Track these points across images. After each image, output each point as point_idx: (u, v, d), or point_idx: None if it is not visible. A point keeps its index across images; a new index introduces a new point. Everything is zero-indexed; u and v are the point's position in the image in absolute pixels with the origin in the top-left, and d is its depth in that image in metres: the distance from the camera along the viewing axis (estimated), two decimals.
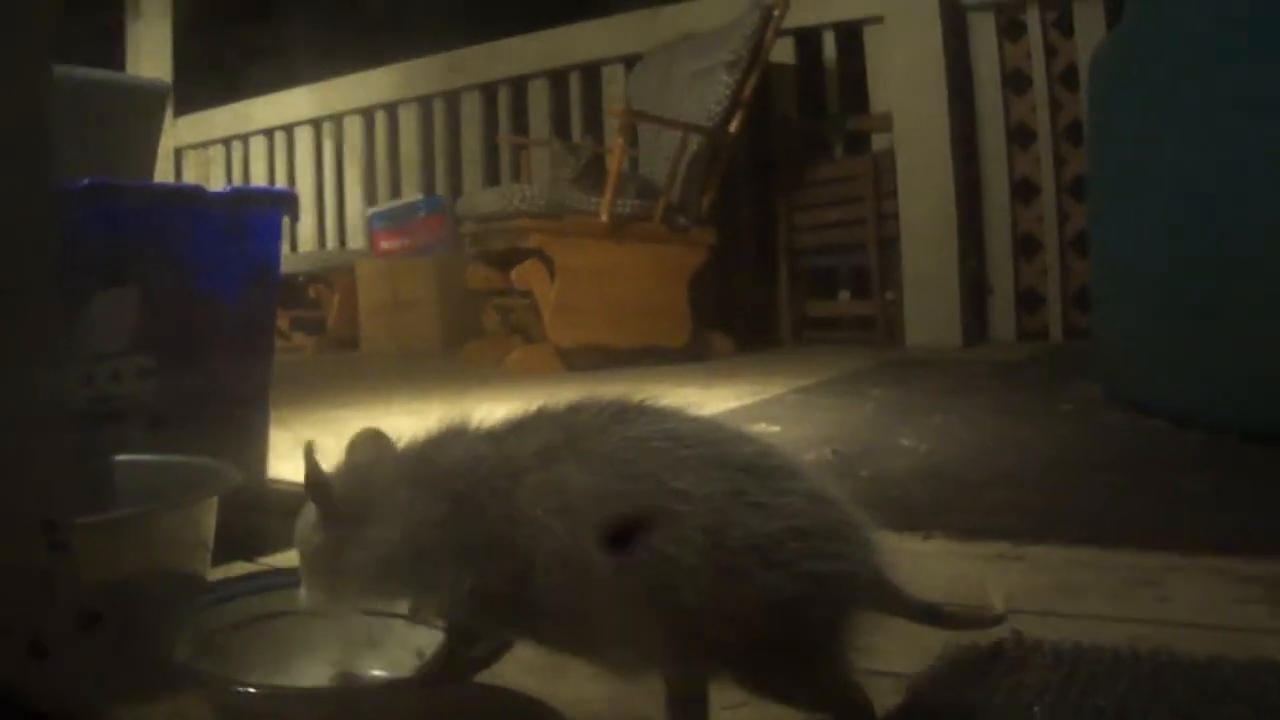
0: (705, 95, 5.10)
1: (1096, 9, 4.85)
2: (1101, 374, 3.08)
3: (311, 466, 0.97)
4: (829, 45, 5.69)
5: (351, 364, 6.01)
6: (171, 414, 1.73)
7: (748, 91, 5.09)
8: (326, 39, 7.26)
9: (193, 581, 1.28)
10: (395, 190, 7.28)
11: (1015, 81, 5.22)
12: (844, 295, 5.74)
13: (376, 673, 1.10)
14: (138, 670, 1.07)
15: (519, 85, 6.73)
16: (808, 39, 5.72)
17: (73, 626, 0.88)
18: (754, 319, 5.69)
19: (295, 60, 7.29)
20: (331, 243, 7.63)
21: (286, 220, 2.00)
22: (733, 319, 5.52)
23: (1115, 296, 2.96)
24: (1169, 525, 1.75)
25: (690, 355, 4.99)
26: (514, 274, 4.75)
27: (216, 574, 1.35)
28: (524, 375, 4.54)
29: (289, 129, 7.84)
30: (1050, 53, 5.09)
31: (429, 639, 1.05)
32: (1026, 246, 5.22)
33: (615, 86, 6.22)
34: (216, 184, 7.58)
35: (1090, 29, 4.82)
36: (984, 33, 5.23)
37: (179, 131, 7.94)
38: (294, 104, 7.74)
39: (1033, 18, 5.10)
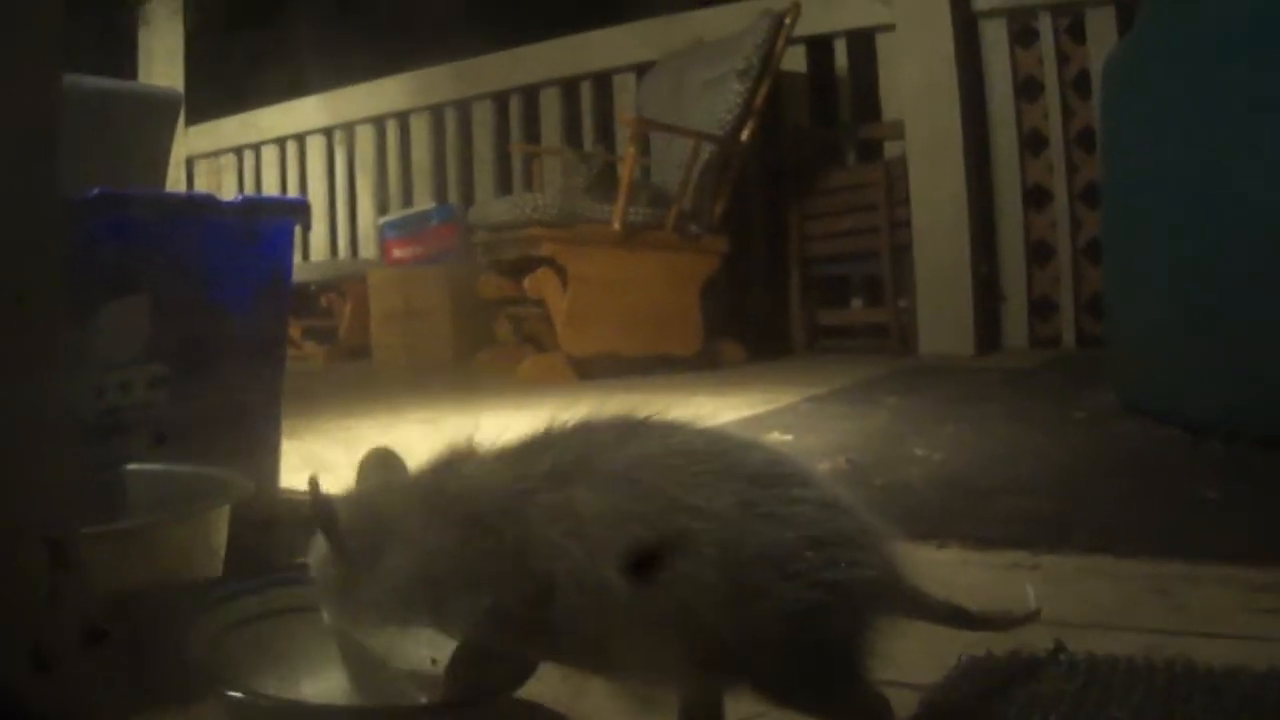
0: (717, 103, 5.11)
1: (1108, 15, 4.85)
2: (1115, 381, 3.07)
3: (319, 503, 0.96)
4: (840, 53, 5.69)
5: (363, 373, 6.01)
6: (182, 424, 1.73)
7: (759, 99, 5.09)
8: (338, 47, 7.26)
9: (204, 591, 1.28)
10: (407, 199, 7.29)
11: (1027, 88, 5.21)
12: (856, 303, 5.73)
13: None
14: (145, 683, 1.06)
15: (531, 94, 6.73)
16: (819, 47, 5.72)
17: (77, 642, 0.88)
18: (766, 327, 5.68)
19: (307, 69, 7.30)
20: (343, 252, 7.64)
21: (298, 229, 2.00)
22: (745, 327, 5.51)
23: (1129, 303, 2.94)
24: (1184, 534, 1.75)
25: (702, 364, 4.99)
26: (526, 283, 4.75)
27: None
28: (536, 384, 4.54)
29: (301, 138, 7.85)
30: (1062, 59, 5.08)
31: (444, 642, 1.04)
32: (1039, 253, 5.21)
33: (627, 95, 6.22)
34: (228, 193, 7.59)
35: (1102, 36, 4.81)
36: (996, 40, 5.22)
37: (191, 140, 7.95)
38: (306, 112, 7.75)
39: (1045, 24, 5.10)
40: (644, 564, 0.85)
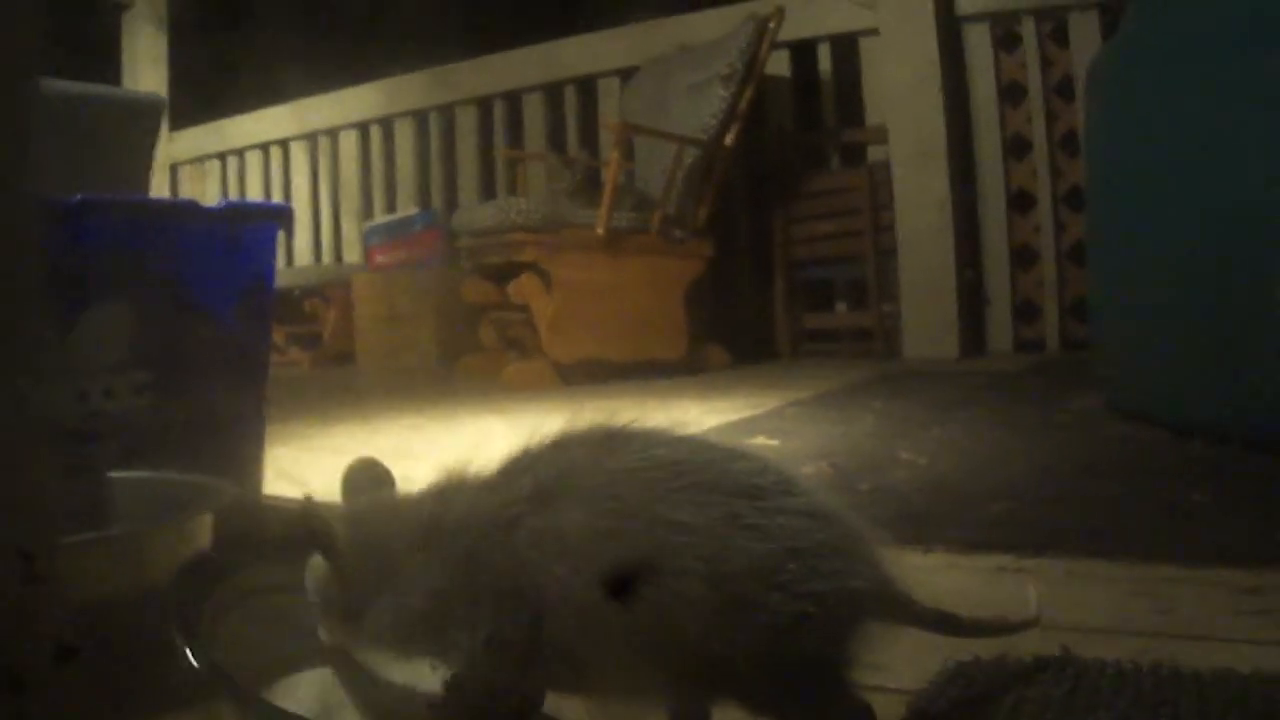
0: (701, 108, 5.11)
1: (1092, 20, 4.87)
2: (1101, 384, 3.07)
3: (317, 524, 0.94)
4: (824, 57, 5.70)
5: (347, 379, 6.01)
6: (166, 430, 1.72)
7: (743, 104, 5.10)
8: (321, 54, 7.25)
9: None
10: (391, 204, 7.29)
11: (1011, 93, 5.23)
12: (841, 307, 5.73)
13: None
14: (121, 700, 1.06)
15: (514, 99, 6.73)
16: (803, 51, 5.73)
17: (49, 660, 0.87)
18: (751, 331, 5.68)
19: (290, 75, 7.28)
20: (327, 257, 7.64)
21: (282, 235, 2.00)
22: (729, 332, 5.51)
23: (1114, 306, 2.95)
24: (1171, 536, 1.75)
25: (687, 368, 4.99)
26: (510, 288, 4.75)
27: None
28: (520, 390, 4.53)
29: (284, 143, 7.85)
30: (1046, 64, 5.10)
31: None
32: (1023, 257, 5.23)
33: (611, 100, 6.23)
34: (211, 199, 7.58)
35: (1086, 40, 4.83)
36: (980, 44, 5.24)
37: (174, 146, 7.95)
38: (289, 118, 7.75)
39: (1028, 29, 5.11)
40: (628, 583, 0.84)
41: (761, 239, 5.73)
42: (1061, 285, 5.06)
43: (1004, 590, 1.52)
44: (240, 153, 8.09)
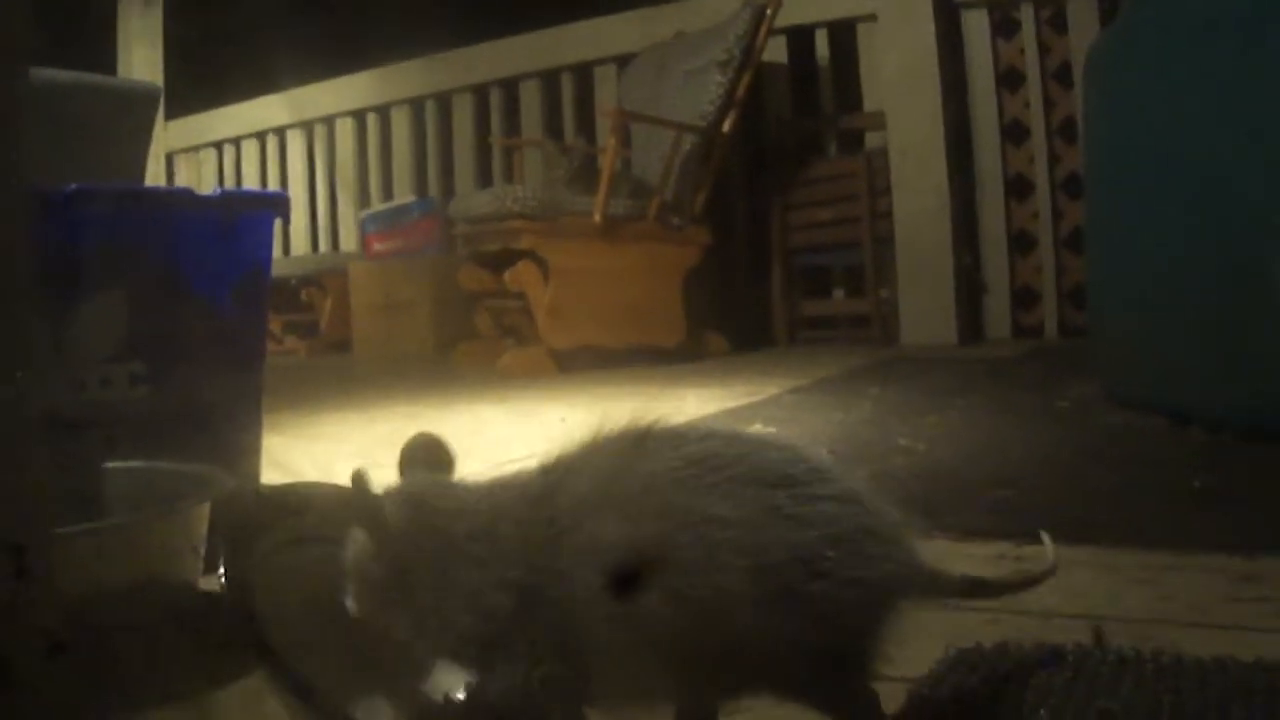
0: (698, 95, 5.10)
1: (1090, 6, 4.86)
2: (1099, 371, 3.07)
3: (366, 501, 0.93)
4: (822, 44, 5.68)
5: (344, 367, 6.01)
6: (163, 419, 1.71)
7: (741, 90, 5.09)
8: (317, 41, 7.24)
9: (185, 589, 1.27)
10: (388, 192, 7.28)
11: (1009, 79, 5.22)
12: (838, 294, 5.72)
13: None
14: (116, 693, 1.05)
15: (511, 86, 6.72)
16: (800, 37, 5.71)
17: (39, 654, 0.86)
18: (748, 318, 5.68)
19: (286, 63, 7.27)
20: (324, 245, 7.63)
21: (278, 223, 1.99)
22: (727, 319, 5.50)
23: (1112, 294, 2.94)
24: (1169, 523, 1.74)
25: (684, 355, 4.99)
26: (507, 275, 4.74)
27: (207, 583, 1.33)
28: (517, 377, 4.53)
29: (280, 132, 7.84)
30: (1044, 50, 5.09)
31: None
32: (1021, 244, 5.22)
33: (608, 86, 6.22)
34: (208, 187, 7.56)
35: (1084, 26, 4.82)
36: (978, 30, 5.23)
37: (170, 135, 7.94)
38: (285, 107, 7.73)
39: (1026, 15, 5.10)
40: (629, 580, 0.85)
41: (759, 226, 5.72)
42: (1059, 272, 5.06)
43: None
44: (236, 141, 8.08)
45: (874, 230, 5.28)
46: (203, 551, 1.32)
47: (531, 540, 0.89)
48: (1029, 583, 1.10)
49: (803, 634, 0.85)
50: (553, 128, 6.48)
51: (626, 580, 0.85)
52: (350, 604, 0.97)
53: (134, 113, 2.36)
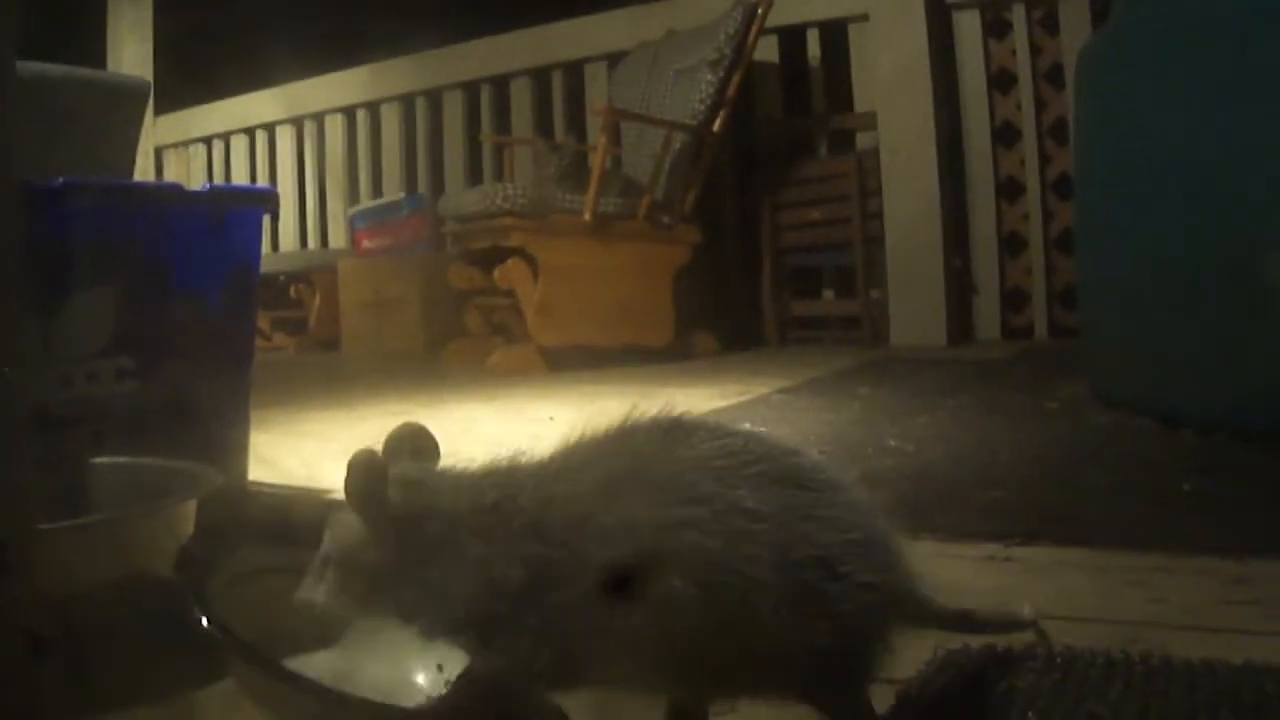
0: (689, 93, 5.10)
1: (1082, 7, 4.86)
2: (1089, 373, 3.07)
3: (373, 483, 0.92)
4: (813, 43, 5.68)
5: (333, 364, 6.00)
6: (150, 415, 1.71)
7: (732, 90, 5.09)
8: (307, 37, 7.23)
9: (170, 587, 1.26)
10: (377, 189, 7.27)
11: (1000, 80, 5.22)
12: (829, 294, 5.72)
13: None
14: (100, 692, 1.05)
15: (501, 84, 6.72)
16: (792, 37, 5.71)
17: (21, 653, 0.85)
18: (738, 318, 5.68)
19: (276, 58, 7.26)
20: (313, 242, 7.62)
21: (267, 220, 1.98)
22: (717, 318, 5.50)
23: (1102, 295, 2.94)
24: (1159, 525, 1.74)
25: (674, 355, 4.99)
26: (497, 273, 4.74)
27: None
28: (506, 375, 4.52)
29: (270, 128, 7.83)
30: (1035, 51, 5.09)
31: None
32: (1011, 245, 5.23)
33: (598, 85, 6.22)
34: (197, 183, 7.55)
35: (1075, 27, 4.83)
36: (969, 31, 5.23)
37: (159, 130, 7.92)
38: (275, 103, 7.72)
39: (1018, 16, 5.11)
40: (623, 583, 0.85)
41: (749, 225, 5.72)
42: (1050, 273, 5.07)
43: (993, 578, 1.51)
44: (225, 137, 8.07)
45: (865, 231, 5.28)
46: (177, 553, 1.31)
47: (550, 517, 0.88)
48: (1012, 624, 1.13)
49: (816, 633, 0.86)
50: (543, 125, 6.48)
51: (653, 563, 0.85)
52: (334, 593, 0.96)
53: (123, 107, 2.35)
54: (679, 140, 5.00)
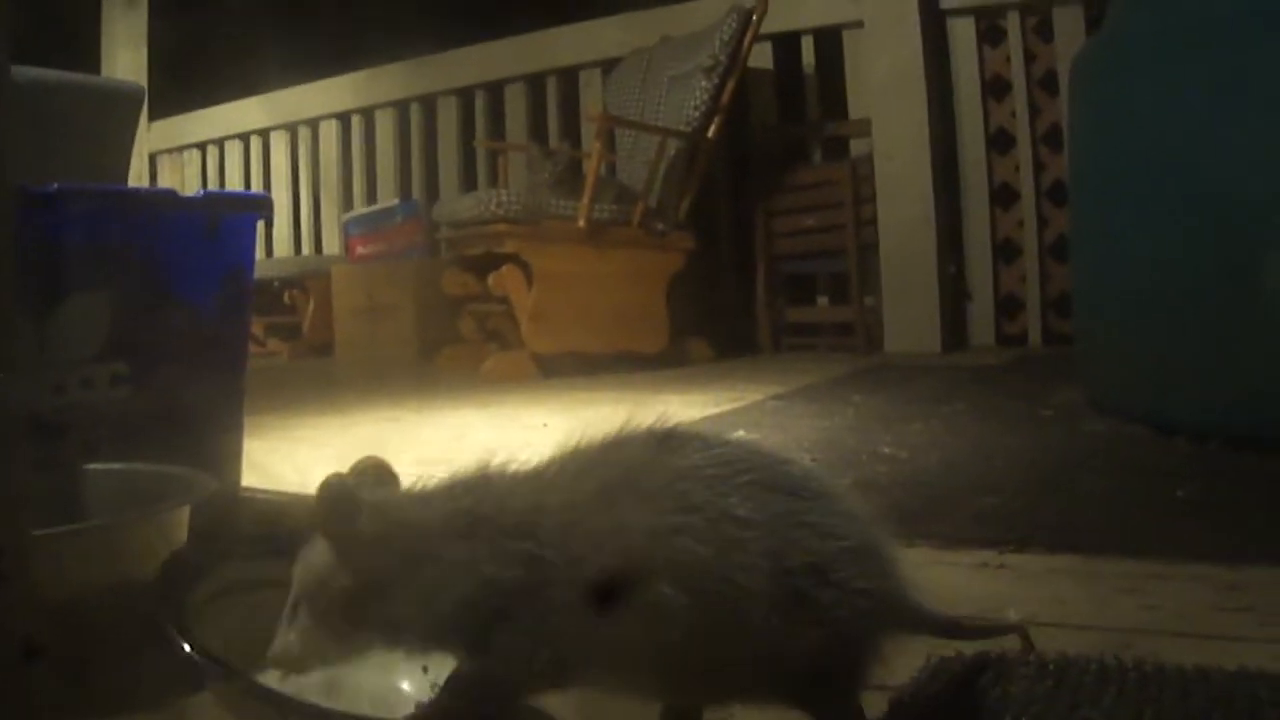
0: (684, 100, 5.10)
1: (1076, 14, 4.86)
2: (1083, 380, 3.07)
3: (333, 506, 0.92)
4: (808, 50, 5.68)
5: (326, 370, 6.00)
6: (143, 422, 1.71)
7: (726, 96, 5.08)
8: (301, 44, 7.23)
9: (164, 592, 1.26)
10: (371, 195, 7.27)
11: (995, 87, 5.22)
12: (823, 301, 5.72)
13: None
14: (94, 698, 1.04)
15: (496, 90, 6.71)
16: (786, 43, 5.71)
17: (16, 659, 0.85)
18: (733, 325, 5.68)
19: (270, 64, 7.26)
20: (307, 248, 7.61)
21: (261, 225, 1.99)
22: (711, 325, 5.50)
23: (1096, 302, 2.94)
24: (1153, 532, 1.75)
25: (668, 361, 4.98)
26: (491, 279, 4.74)
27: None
28: (500, 382, 4.52)
29: (264, 133, 7.82)
30: (1030, 58, 5.09)
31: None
32: (1006, 252, 5.22)
33: (593, 91, 6.21)
34: (191, 189, 7.55)
35: (1070, 34, 4.82)
36: (964, 38, 5.23)
37: (154, 136, 7.92)
38: (269, 108, 7.72)
39: (1012, 23, 5.11)
40: (615, 589, 0.86)
41: (743, 232, 5.72)
42: (1044, 280, 5.06)
43: (986, 585, 1.52)
44: (220, 142, 8.06)
45: (859, 237, 5.28)
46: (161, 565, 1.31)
47: (544, 521, 0.89)
48: (1000, 630, 1.15)
49: (808, 640, 0.87)
50: (538, 132, 6.47)
51: (646, 570, 0.86)
52: (310, 631, 0.95)
53: (117, 113, 2.35)
54: (673, 147, 5.00)
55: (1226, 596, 1.41)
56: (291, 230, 7.67)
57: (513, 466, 0.95)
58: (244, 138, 7.93)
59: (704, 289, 5.55)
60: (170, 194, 1.92)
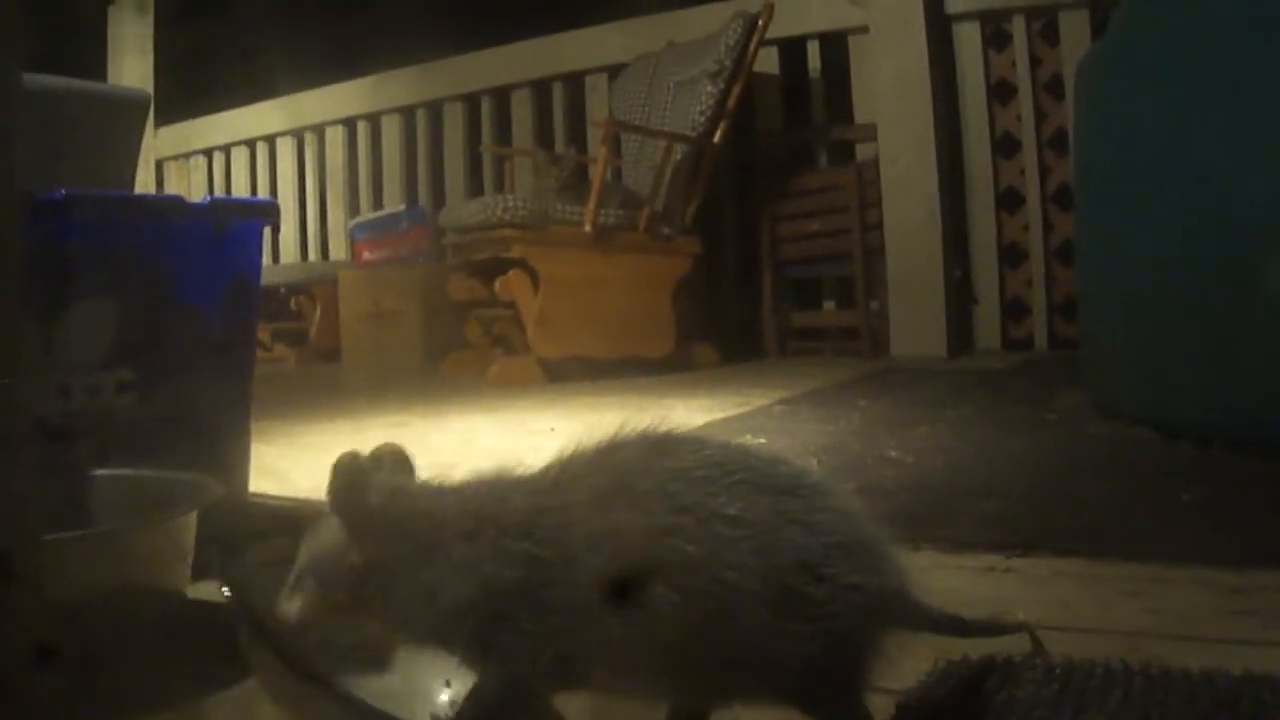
0: (690, 105, 5.10)
1: (1082, 18, 4.86)
2: (1088, 384, 3.07)
3: (347, 483, 0.94)
4: (814, 55, 5.68)
5: (333, 376, 6.00)
6: (151, 427, 1.71)
7: (732, 101, 5.09)
8: (308, 50, 7.24)
9: (173, 597, 1.27)
10: (378, 201, 7.27)
11: (1000, 91, 5.22)
12: (828, 306, 5.72)
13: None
14: (105, 700, 1.05)
15: (502, 95, 6.72)
16: (792, 48, 5.71)
17: (27, 661, 0.86)
18: (738, 329, 5.68)
19: (277, 70, 7.27)
20: (314, 254, 7.61)
21: (268, 231, 1.99)
22: (717, 329, 5.50)
23: (1102, 306, 2.95)
24: (1158, 536, 1.75)
25: (674, 366, 4.98)
26: (497, 285, 4.74)
27: (196, 591, 1.33)
28: (506, 387, 4.52)
29: (271, 140, 7.82)
30: (1035, 62, 5.09)
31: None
32: (1011, 256, 5.22)
33: (599, 96, 6.22)
34: (198, 195, 7.56)
35: (1075, 38, 4.82)
36: (969, 42, 5.23)
37: (161, 143, 7.92)
38: (276, 115, 7.72)
39: (1018, 27, 5.10)
40: (629, 586, 0.86)
41: (749, 237, 5.72)
42: (1050, 284, 5.06)
43: (992, 589, 1.52)
44: (226, 149, 8.06)
45: (864, 242, 5.28)
46: (190, 560, 1.32)
47: (543, 522, 0.90)
48: (1003, 629, 1.14)
49: (803, 637, 0.87)
50: (544, 137, 6.48)
51: (639, 570, 0.87)
52: (312, 603, 0.96)
53: (124, 119, 2.35)
54: (679, 152, 5.00)
55: (1232, 600, 1.41)
56: (298, 236, 7.67)
57: (524, 474, 0.96)
58: (250, 144, 7.93)
59: (710, 293, 5.55)
60: (177, 200, 1.92)
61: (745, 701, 0.96)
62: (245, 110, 7.85)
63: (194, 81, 7.56)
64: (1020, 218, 5.18)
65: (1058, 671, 1.14)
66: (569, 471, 0.94)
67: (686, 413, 3.35)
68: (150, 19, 7.12)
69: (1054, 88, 5.02)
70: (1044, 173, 5.08)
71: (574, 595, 0.87)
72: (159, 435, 1.70)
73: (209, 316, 1.83)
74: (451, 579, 0.90)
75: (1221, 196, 2.38)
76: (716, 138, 5.08)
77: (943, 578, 1.56)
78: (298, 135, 7.70)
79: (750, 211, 5.71)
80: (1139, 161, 2.64)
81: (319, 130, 7.58)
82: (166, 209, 1.89)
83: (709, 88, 5.05)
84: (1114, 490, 2.12)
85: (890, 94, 5.21)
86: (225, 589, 0.95)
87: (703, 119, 5.04)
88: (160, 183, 8.10)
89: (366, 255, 6.78)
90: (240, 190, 7.86)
